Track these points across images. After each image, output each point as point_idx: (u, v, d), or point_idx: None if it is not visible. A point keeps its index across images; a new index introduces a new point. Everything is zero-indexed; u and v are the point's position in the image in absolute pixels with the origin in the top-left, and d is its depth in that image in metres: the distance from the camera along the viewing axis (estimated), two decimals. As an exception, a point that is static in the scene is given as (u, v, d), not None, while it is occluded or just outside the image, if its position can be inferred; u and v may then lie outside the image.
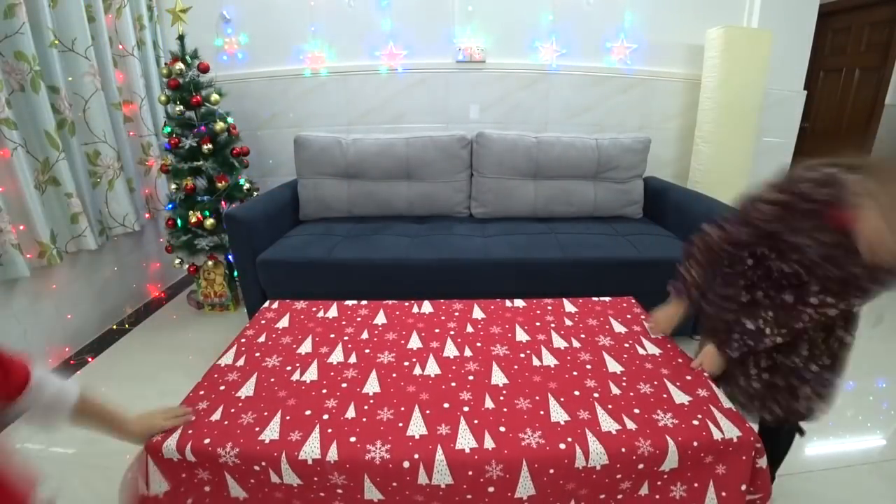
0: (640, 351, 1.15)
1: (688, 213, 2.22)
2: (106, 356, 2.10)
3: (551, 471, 0.82)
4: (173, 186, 2.30)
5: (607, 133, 2.67)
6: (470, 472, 0.82)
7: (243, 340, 1.26)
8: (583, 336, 1.23)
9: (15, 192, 1.75)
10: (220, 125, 2.27)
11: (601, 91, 2.79)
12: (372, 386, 1.04)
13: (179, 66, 2.19)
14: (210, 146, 2.23)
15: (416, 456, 0.83)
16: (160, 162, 2.39)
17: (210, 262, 2.38)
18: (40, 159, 1.87)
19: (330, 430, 0.90)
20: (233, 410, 0.96)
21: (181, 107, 2.21)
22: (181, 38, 2.24)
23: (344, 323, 1.35)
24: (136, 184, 2.43)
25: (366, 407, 0.96)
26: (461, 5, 2.63)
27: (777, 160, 2.92)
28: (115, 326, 2.34)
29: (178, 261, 2.41)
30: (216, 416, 0.95)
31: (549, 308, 1.40)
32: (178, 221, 2.33)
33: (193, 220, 2.25)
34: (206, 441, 0.88)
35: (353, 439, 0.87)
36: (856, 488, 1.39)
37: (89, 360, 2.06)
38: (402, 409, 0.96)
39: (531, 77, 2.75)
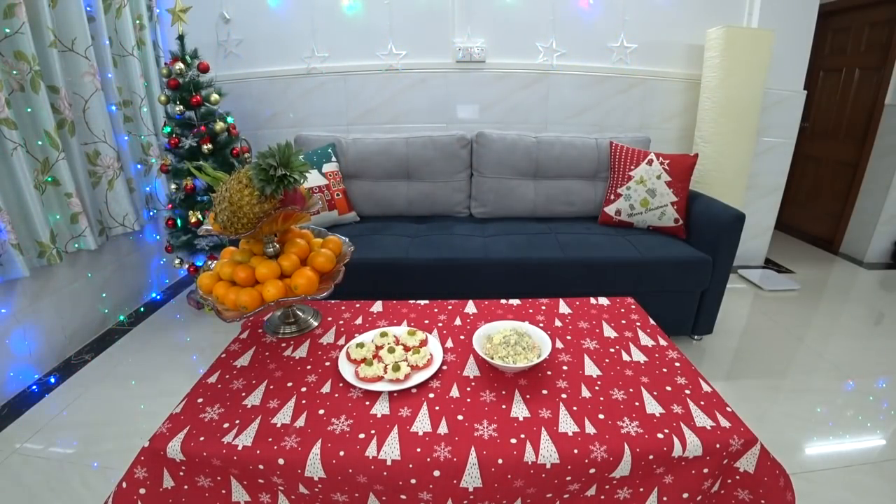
0: (625, 357, 1.13)
1: (688, 213, 2.22)
2: (106, 356, 2.10)
3: (500, 461, 0.82)
4: (173, 186, 2.30)
5: (607, 133, 2.67)
6: (418, 450, 0.84)
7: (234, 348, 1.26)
8: (569, 338, 1.22)
9: (15, 192, 1.75)
10: (219, 125, 2.27)
11: (601, 91, 2.79)
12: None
13: (179, 66, 2.18)
14: (210, 146, 2.23)
15: (373, 432, 0.88)
16: (160, 162, 2.39)
17: (210, 262, 2.38)
18: (40, 159, 1.87)
19: (304, 402, 0.97)
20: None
21: (181, 107, 2.21)
22: (181, 38, 2.24)
23: (347, 313, 1.41)
24: (136, 184, 2.43)
25: (340, 384, 1.02)
26: (461, 5, 2.63)
27: (777, 160, 2.92)
28: (115, 326, 2.34)
29: (178, 261, 2.41)
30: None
31: (543, 308, 1.40)
32: (178, 221, 2.33)
33: (193, 220, 2.25)
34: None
35: (321, 412, 0.94)
36: (856, 488, 1.39)
37: (89, 360, 2.07)
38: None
39: (531, 77, 2.75)
